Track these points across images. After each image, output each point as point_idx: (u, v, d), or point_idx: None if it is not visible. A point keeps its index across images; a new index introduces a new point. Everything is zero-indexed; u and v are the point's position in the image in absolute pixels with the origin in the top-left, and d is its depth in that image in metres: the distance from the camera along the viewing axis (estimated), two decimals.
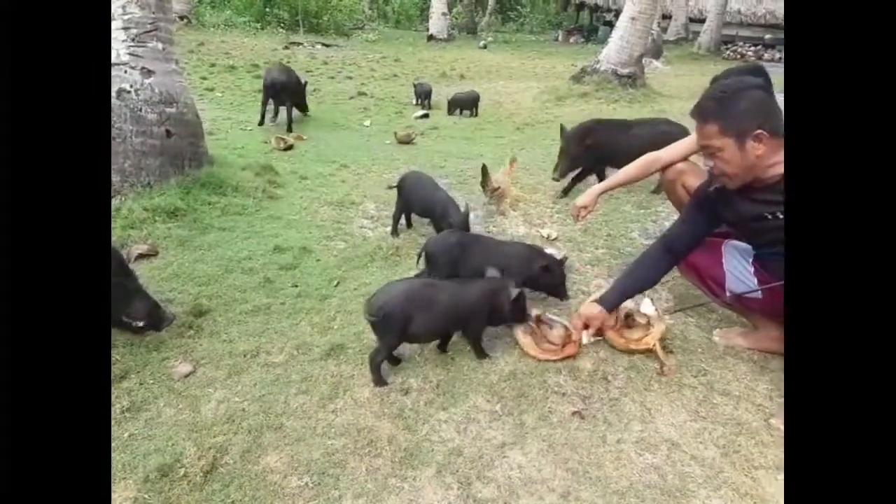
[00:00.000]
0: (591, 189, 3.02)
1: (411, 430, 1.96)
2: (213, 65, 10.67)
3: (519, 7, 26.77)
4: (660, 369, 2.35)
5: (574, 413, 2.09)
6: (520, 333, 2.48)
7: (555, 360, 2.37)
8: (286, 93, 6.41)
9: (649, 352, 2.42)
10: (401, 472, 1.79)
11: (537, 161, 5.66)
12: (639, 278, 2.41)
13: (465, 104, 8.28)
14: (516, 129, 7.28)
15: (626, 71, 9.42)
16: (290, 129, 6.38)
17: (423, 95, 8.50)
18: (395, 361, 2.31)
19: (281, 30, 16.55)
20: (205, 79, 9.39)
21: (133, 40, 3.50)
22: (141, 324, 2.15)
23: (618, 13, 20.52)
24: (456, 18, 22.35)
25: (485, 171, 4.01)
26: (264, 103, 6.53)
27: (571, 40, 22.12)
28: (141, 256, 3.01)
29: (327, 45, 15.25)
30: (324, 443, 1.89)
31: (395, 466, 1.81)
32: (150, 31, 3.58)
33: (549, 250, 3.37)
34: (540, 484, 1.77)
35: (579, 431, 2.00)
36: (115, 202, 3.37)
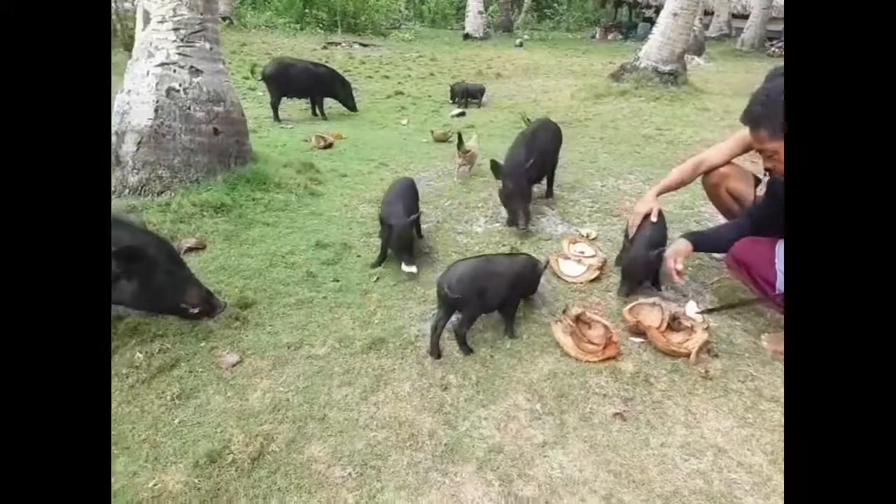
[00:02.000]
0: (647, 193, 2.98)
1: (451, 426, 1.97)
2: (254, 65, 10.92)
3: (555, 5, 26.47)
4: (704, 373, 2.30)
5: (616, 415, 2.06)
6: (560, 333, 2.47)
7: (595, 362, 2.35)
8: (289, 85, 6.82)
9: (688, 357, 2.37)
10: (441, 466, 1.80)
11: (575, 159, 5.60)
12: (720, 232, 2.68)
13: (473, 94, 8.73)
14: None
15: (667, 68, 9.19)
16: (314, 114, 7.12)
17: (464, 94, 8.56)
18: (437, 355, 2.32)
19: (319, 30, 16.84)
20: (247, 78, 9.64)
21: (182, 41, 3.63)
22: (196, 310, 2.23)
23: (658, 9, 20.05)
24: (492, 17, 22.25)
25: (460, 137, 4.75)
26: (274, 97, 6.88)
27: (609, 37, 21.73)
28: (190, 249, 3.12)
29: (364, 45, 15.43)
30: (366, 435, 1.92)
31: (436, 461, 1.82)
32: (199, 31, 3.70)
33: (586, 249, 3.34)
34: (582, 485, 1.75)
35: (621, 433, 1.98)
36: (165, 197, 3.50)
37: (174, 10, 3.57)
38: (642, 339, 2.52)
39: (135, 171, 3.52)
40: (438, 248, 3.42)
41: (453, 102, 8.71)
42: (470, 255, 3.40)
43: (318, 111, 7.28)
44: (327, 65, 7.70)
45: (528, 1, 26.29)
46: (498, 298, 2.46)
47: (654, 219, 2.87)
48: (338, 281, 2.98)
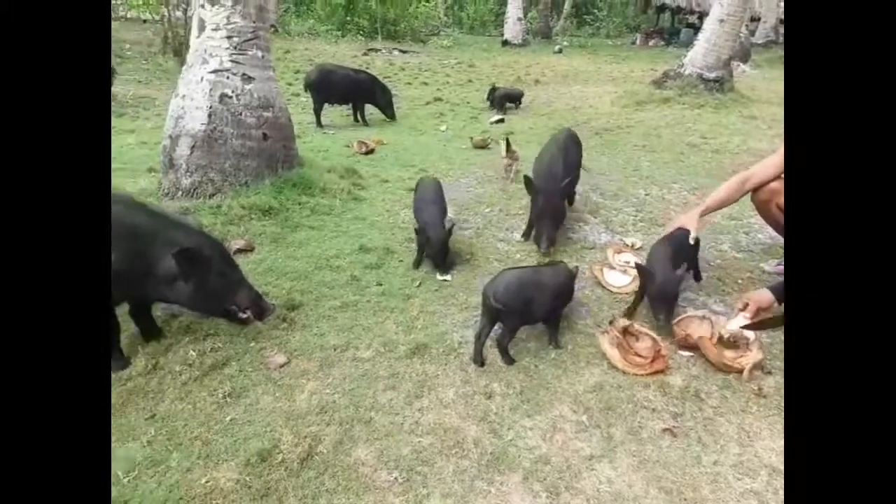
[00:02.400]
0: (692, 213, 2.90)
1: (497, 435, 1.96)
2: (297, 71, 11.20)
3: (595, 11, 26.18)
4: (757, 391, 2.22)
5: (665, 430, 2.01)
6: (606, 344, 2.42)
7: (643, 375, 2.30)
8: (331, 91, 7.01)
9: (740, 373, 2.30)
10: (487, 475, 1.79)
11: (617, 167, 5.51)
12: None
13: (512, 98, 8.75)
14: (594, 134, 7.10)
15: (712, 75, 8.96)
16: (355, 120, 7.36)
17: (503, 98, 8.58)
18: (481, 363, 2.32)
19: (360, 37, 17.14)
20: (290, 84, 9.86)
21: (235, 48, 3.76)
22: (247, 313, 2.29)
23: (701, 15, 19.60)
24: (530, 23, 22.18)
25: (508, 141, 5.11)
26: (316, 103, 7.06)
27: (650, 43, 21.32)
28: (239, 251, 3.21)
29: (404, 52, 15.60)
30: (411, 440, 1.93)
31: (482, 469, 1.81)
32: (251, 39, 3.82)
33: (631, 259, 3.27)
34: (631, 501, 1.71)
35: (671, 450, 1.92)
36: (216, 200, 3.62)
37: (228, 18, 3.70)
38: (691, 354, 2.45)
39: (188, 174, 3.66)
40: (479, 255, 3.42)
41: (491, 106, 8.71)
42: (511, 263, 3.40)
43: (359, 117, 7.40)
44: (368, 71, 7.82)
45: (567, 7, 26.10)
46: (543, 309, 2.44)
47: (691, 240, 2.80)
48: (381, 285, 3.01)
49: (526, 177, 3.47)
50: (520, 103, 8.80)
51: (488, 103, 8.80)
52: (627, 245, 3.58)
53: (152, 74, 10.82)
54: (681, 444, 1.95)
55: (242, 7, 3.69)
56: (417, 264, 3.22)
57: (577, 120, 7.90)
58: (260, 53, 3.85)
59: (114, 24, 12.30)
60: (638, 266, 2.76)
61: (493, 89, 8.84)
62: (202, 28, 3.73)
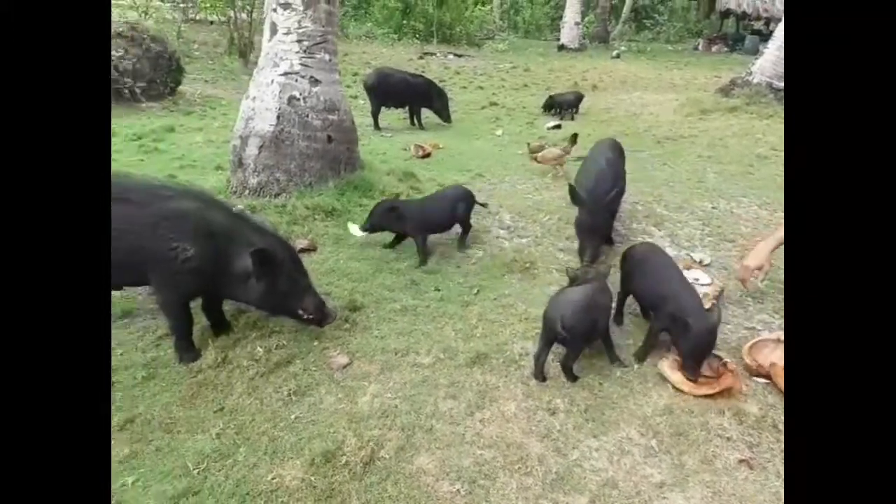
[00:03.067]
0: (760, 247, 2.76)
1: (561, 453, 1.90)
2: (355, 74, 11.42)
3: (656, 15, 25.46)
4: None
5: (741, 461, 1.90)
6: (667, 369, 2.31)
7: (712, 395, 2.18)
8: (389, 95, 7.05)
9: None
10: (552, 495, 1.74)
11: (682, 178, 5.31)
12: None
13: (570, 104, 8.55)
14: (656, 142, 6.88)
15: (783, 84, 8.52)
16: (411, 123, 7.41)
17: (564, 104, 8.50)
18: (543, 379, 2.26)
19: (416, 40, 17.31)
20: (349, 87, 10.04)
21: (305, 52, 3.85)
22: (311, 317, 2.32)
23: (768, 21, 18.70)
24: (587, 27, 21.80)
25: (575, 137, 5.38)
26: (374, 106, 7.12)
27: (713, 49, 20.53)
28: (303, 251, 3.27)
29: (459, 55, 15.65)
30: (473, 451, 1.90)
31: (546, 488, 1.76)
32: (320, 43, 3.90)
33: (700, 277, 3.13)
34: None
35: (748, 483, 1.81)
36: (281, 199, 3.72)
37: (299, 22, 3.80)
38: (767, 381, 2.31)
39: (255, 173, 3.77)
40: (538, 264, 3.35)
41: (547, 112, 8.60)
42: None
43: (415, 121, 7.45)
44: (425, 76, 7.87)
45: (626, 11, 25.50)
46: (604, 328, 2.39)
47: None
48: (439, 290, 3.00)
49: (571, 186, 3.37)
50: (577, 110, 8.65)
51: (544, 110, 8.69)
52: (695, 261, 3.43)
53: (218, 74, 11.27)
54: (758, 478, 1.84)
55: (313, 12, 3.78)
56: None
57: (637, 128, 7.68)
58: (327, 57, 3.93)
59: (182, 26, 12.93)
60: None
61: (552, 98, 8.72)
62: (274, 32, 3.84)
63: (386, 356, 2.40)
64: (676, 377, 2.27)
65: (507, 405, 2.13)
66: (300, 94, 3.82)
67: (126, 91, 7.67)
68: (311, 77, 3.86)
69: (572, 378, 2.27)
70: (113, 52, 7.56)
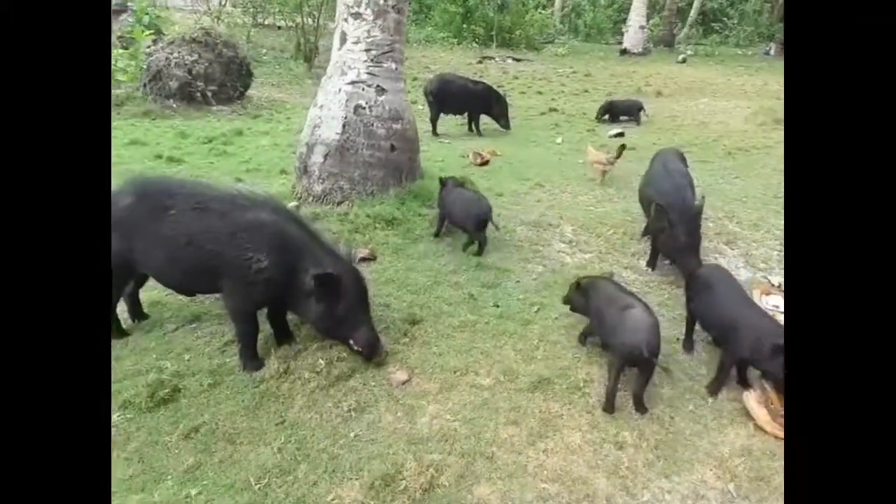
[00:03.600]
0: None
1: (630, 493, 1.80)
2: (414, 79, 11.50)
3: (725, 18, 24.29)
4: None
5: None
6: (753, 402, 2.16)
7: None
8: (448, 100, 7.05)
9: None
10: None
11: (756, 192, 5.00)
12: None
13: (628, 111, 8.37)
14: (727, 153, 6.53)
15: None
16: (469, 129, 7.38)
17: (622, 112, 8.30)
18: (611, 409, 2.15)
19: (475, 45, 17.29)
20: (408, 92, 10.12)
21: (372, 61, 3.88)
22: (359, 349, 2.30)
23: None
24: (651, 30, 21.09)
25: (623, 148, 5.38)
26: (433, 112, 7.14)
27: None
28: (363, 259, 3.29)
29: (518, 60, 15.50)
30: (536, 485, 1.82)
31: None
32: (387, 52, 3.92)
33: (780, 303, 2.92)
34: None
35: None
36: (343, 207, 3.76)
37: (368, 31, 3.83)
38: None
39: (320, 180, 3.83)
40: None
41: (601, 120, 8.34)
42: (638, 293, 3.16)
43: (474, 127, 7.41)
44: (485, 82, 7.81)
45: (693, 14, 24.48)
46: None
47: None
48: (498, 307, 2.94)
49: (659, 206, 3.20)
50: (639, 116, 8.35)
51: (602, 118, 8.42)
52: (773, 285, 3.20)
53: (284, 78, 11.66)
54: None
55: (382, 21, 3.80)
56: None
57: (706, 137, 7.33)
58: (394, 66, 3.95)
59: (252, 31, 13.43)
60: None
61: (610, 105, 8.47)
62: (343, 41, 3.89)
63: (445, 374, 2.35)
64: (762, 414, 2.11)
65: (572, 436, 2.04)
66: (366, 103, 3.85)
67: (198, 94, 8.04)
68: (378, 86, 3.88)
69: (643, 409, 2.16)
70: (187, 57, 7.96)
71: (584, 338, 2.58)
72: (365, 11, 3.76)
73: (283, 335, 2.52)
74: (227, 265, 2.15)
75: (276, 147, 6.30)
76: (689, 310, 2.60)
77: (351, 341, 2.32)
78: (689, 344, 2.61)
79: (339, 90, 3.85)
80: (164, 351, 2.49)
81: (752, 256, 3.66)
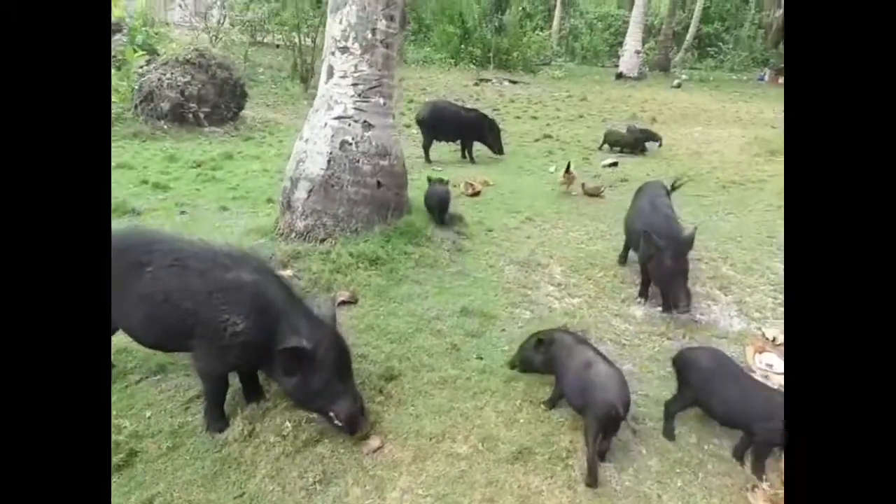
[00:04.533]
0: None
1: None
2: (410, 101, 11.50)
3: (720, 43, 24.57)
4: None
5: None
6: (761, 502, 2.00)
7: None
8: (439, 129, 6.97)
9: None
10: None
11: (750, 231, 4.91)
12: None
13: (626, 144, 8.17)
14: (721, 187, 6.47)
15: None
16: (462, 156, 7.36)
17: (624, 146, 8.20)
18: (594, 483, 2.02)
19: (473, 66, 17.37)
20: (403, 114, 10.10)
21: (359, 96, 3.80)
22: (340, 424, 2.15)
23: None
24: (647, 54, 21.28)
25: (569, 165, 6.03)
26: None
27: (780, 81, 19.55)
28: (343, 303, 3.17)
29: (514, 82, 15.56)
30: None
31: None
32: (375, 87, 3.85)
33: (775, 362, 2.80)
34: None
35: None
36: (326, 245, 3.65)
37: (356, 66, 3.76)
38: None
39: (303, 216, 3.73)
40: (591, 332, 3.10)
41: (612, 149, 8.27)
42: (628, 344, 3.06)
43: (467, 154, 7.35)
44: (478, 109, 7.76)
45: (689, 38, 24.76)
46: None
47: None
48: (481, 359, 2.81)
49: (647, 232, 3.20)
50: (644, 148, 8.29)
51: (602, 147, 8.37)
52: (768, 339, 3.09)
53: (280, 98, 11.64)
54: None
55: (370, 56, 3.73)
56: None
57: (699, 169, 7.27)
58: (382, 101, 3.87)
59: (249, 49, 13.43)
60: None
61: (611, 135, 8.40)
62: (330, 75, 3.82)
63: (420, 441, 2.22)
64: None
65: None
66: (352, 139, 3.77)
67: (190, 115, 7.97)
68: (365, 121, 3.80)
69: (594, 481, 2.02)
70: (180, 78, 7.90)
71: (552, 403, 2.44)
72: (353, 46, 3.70)
73: (252, 393, 2.38)
74: (201, 326, 2.03)
75: (266, 173, 6.21)
76: (682, 394, 2.36)
77: (331, 414, 2.14)
78: (670, 432, 2.33)
79: (325, 125, 3.76)
80: (124, 406, 2.35)
81: (745, 304, 3.55)
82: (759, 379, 2.65)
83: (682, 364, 2.34)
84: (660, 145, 8.36)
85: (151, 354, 2.62)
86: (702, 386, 2.25)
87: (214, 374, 2.17)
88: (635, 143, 8.20)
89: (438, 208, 4.35)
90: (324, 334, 2.10)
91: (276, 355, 2.03)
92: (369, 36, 3.69)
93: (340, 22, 3.70)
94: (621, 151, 8.19)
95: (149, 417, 2.30)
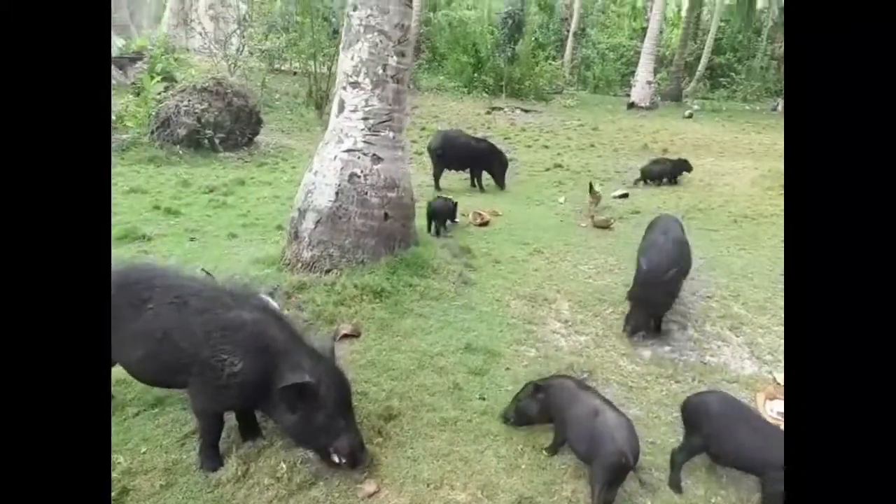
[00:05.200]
0: None
1: None
2: (423, 128, 11.66)
3: (732, 73, 24.69)
4: None
5: None
6: None
7: None
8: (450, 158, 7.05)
9: None
10: None
11: (763, 268, 4.82)
12: None
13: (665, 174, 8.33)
14: (732, 221, 6.41)
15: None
16: (472, 185, 7.44)
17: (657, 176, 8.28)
18: None
19: (485, 94, 17.60)
20: (415, 142, 10.22)
21: (370, 129, 3.84)
22: (342, 461, 2.11)
23: None
24: (659, 84, 21.42)
25: (591, 185, 6.52)
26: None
27: None
28: (346, 336, 3.15)
29: (526, 111, 15.71)
30: None
31: None
32: (385, 121, 3.89)
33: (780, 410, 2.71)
34: None
35: None
36: (331, 276, 3.64)
37: (366, 101, 3.81)
38: None
39: (310, 247, 3.73)
40: (597, 373, 3.04)
41: (646, 182, 8.31)
42: (635, 387, 2.98)
43: (476, 183, 7.39)
44: (488, 140, 7.82)
45: (701, 68, 24.93)
46: None
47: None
48: (484, 399, 2.76)
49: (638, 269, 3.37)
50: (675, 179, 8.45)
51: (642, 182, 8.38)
52: (780, 385, 3.00)
53: (294, 125, 11.84)
54: None
55: (381, 91, 3.78)
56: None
57: (711, 202, 7.22)
58: (392, 134, 3.91)
59: (267, 77, 13.72)
60: None
61: (646, 172, 8.38)
62: (342, 108, 3.87)
63: (417, 487, 2.16)
64: None
65: None
66: (361, 172, 3.79)
67: (206, 141, 8.12)
68: (374, 155, 3.83)
69: None
70: (197, 105, 8.08)
71: (554, 450, 2.37)
72: (363, 81, 3.75)
73: (249, 431, 2.35)
74: (199, 365, 2.01)
75: (277, 199, 6.28)
76: (690, 442, 2.27)
77: (331, 451, 2.10)
78: (677, 484, 2.24)
79: (335, 157, 3.79)
80: (120, 441, 2.33)
81: (757, 346, 3.46)
82: None
83: (692, 411, 2.26)
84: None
85: (148, 388, 2.60)
86: (714, 432, 2.17)
87: (210, 412, 2.15)
88: (672, 172, 8.41)
89: (434, 217, 5.03)
90: (324, 370, 2.07)
91: (279, 393, 1.99)
92: (380, 72, 3.75)
93: (352, 58, 3.76)
94: (660, 183, 8.31)
95: (143, 453, 2.27)
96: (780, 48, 26.13)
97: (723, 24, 25.43)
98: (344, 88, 3.84)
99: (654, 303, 3.34)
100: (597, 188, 6.51)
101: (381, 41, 3.72)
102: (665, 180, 8.30)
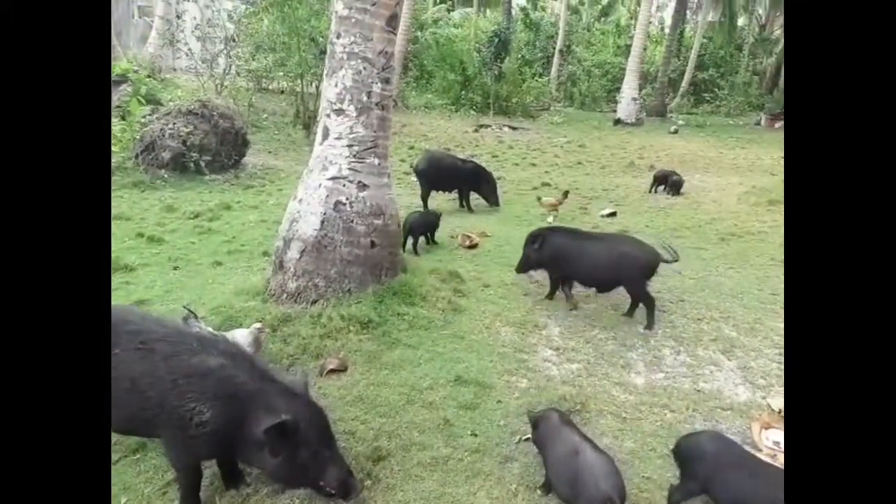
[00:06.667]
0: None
1: None
2: (411, 147, 11.66)
3: (715, 89, 25.13)
4: None
5: None
6: None
7: None
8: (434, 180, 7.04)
9: None
10: None
11: (752, 287, 4.82)
12: None
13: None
14: (720, 239, 6.43)
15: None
16: (460, 206, 7.44)
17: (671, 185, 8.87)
18: None
19: (473, 112, 17.71)
20: (403, 161, 10.19)
21: (355, 156, 3.80)
22: (333, 492, 2.04)
23: None
24: (644, 100, 21.73)
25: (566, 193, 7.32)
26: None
27: (777, 126, 19.85)
28: (332, 371, 3.07)
29: (514, 128, 15.81)
30: None
31: None
32: (370, 147, 3.85)
33: (782, 440, 2.67)
34: None
35: None
36: (318, 307, 3.57)
37: (351, 128, 3.77)
38: None
39: (295, 277, 3.67)
40: (590, 404, 2.98)
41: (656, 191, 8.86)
42: (629, 418, 2.93)
43: (464, 204, 7.37)
44: (474, 161, 7.82)
45: (685, 84, 25.35)
46: None
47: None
48: (476, 436, 2.69)
49: None
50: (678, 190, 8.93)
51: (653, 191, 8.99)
52: (774, 411, 2.96)
53: (282, 145, 11.78)
54: None
55: (366, 118, 3.75)
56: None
57: (698, 220, 7.25)
58: (377, 161, 3.87)
59: (255, 96, 13.70)
60: None
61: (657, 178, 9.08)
62: (326, 136, 3.83)
63: None
64: None
65: None
66: (347, 199, 3.75)
67: (191, 164, 8.03)
68: (360, 182, 3.79)
69: None
70: (182, 128, 8.01)
71: (548, 489, 2.31)
72: (348, 108, 3.72)
73: (231, 479, 2.26)
74: (165, 414, 1.93)
75: (263, 223, 6.20)
76: (688, 484, 2.21)
77: (322, 484, 2.03)
78: None
79: (320, 185, 3.75)
80: None
81: (749, 370, 3.43)
82: (767, 459, 2.53)
83: (684, 454, 2.21)
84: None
85: None
86: (709, 475, 2.12)
87: (184, 463, 2.06)
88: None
89: (411, 232, 5.25)
90: (299, 405, 2.00)
91: (263, 438, 1.91)
92: (365, 99, 3.72)
93: (336, 85, 3.74)
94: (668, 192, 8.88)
95: (124, 503, 2.17)
96: (761, 64, 26.72)
97: (705, 40, 25.94)
98: (328, 115, 3.80)
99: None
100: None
101: (364, 68, 3.70)
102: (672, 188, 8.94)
